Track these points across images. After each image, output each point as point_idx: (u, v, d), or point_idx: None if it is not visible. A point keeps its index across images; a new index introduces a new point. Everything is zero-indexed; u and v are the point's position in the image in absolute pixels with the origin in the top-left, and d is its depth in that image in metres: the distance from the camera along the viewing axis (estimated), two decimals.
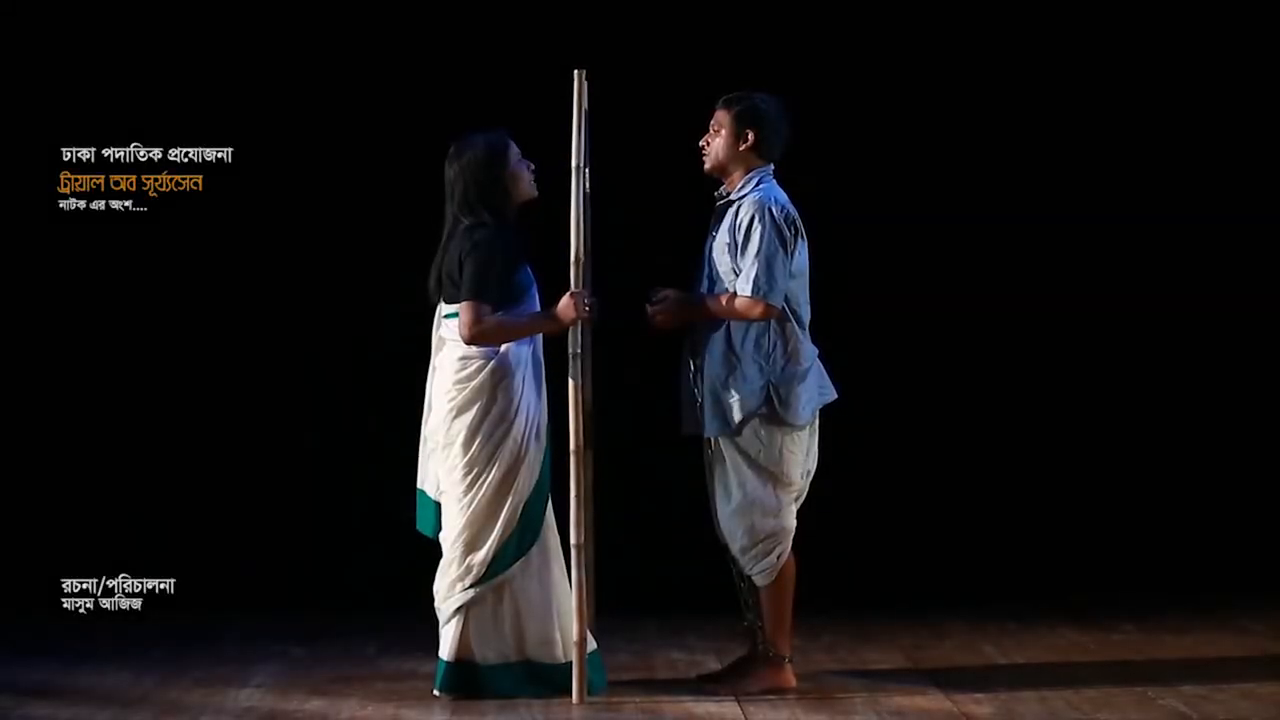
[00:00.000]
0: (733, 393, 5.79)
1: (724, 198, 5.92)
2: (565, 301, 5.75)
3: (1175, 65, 7.94)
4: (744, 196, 5.85)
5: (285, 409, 7.84)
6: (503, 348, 5.77)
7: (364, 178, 7.72)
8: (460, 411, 5.79)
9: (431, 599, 5.89)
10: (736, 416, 5.78)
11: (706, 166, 5.94)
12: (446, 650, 5.82)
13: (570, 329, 5.78)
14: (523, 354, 5.80)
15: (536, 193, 5.89)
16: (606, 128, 6.03)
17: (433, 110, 7.38)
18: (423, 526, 5.99)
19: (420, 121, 7.32)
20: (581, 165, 5.80)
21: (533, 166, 5.88)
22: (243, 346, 7.84)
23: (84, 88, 7.73)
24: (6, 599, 7.50)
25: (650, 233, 7.27)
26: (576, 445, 5.77)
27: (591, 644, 5.82)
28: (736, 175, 5.90)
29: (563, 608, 5.82)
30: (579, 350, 5.78)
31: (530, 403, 5.80)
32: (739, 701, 5.74)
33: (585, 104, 5.81)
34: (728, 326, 5.81)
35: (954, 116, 7.92)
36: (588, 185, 5.82)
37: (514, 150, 5.85)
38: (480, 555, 5.77)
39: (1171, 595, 7.53)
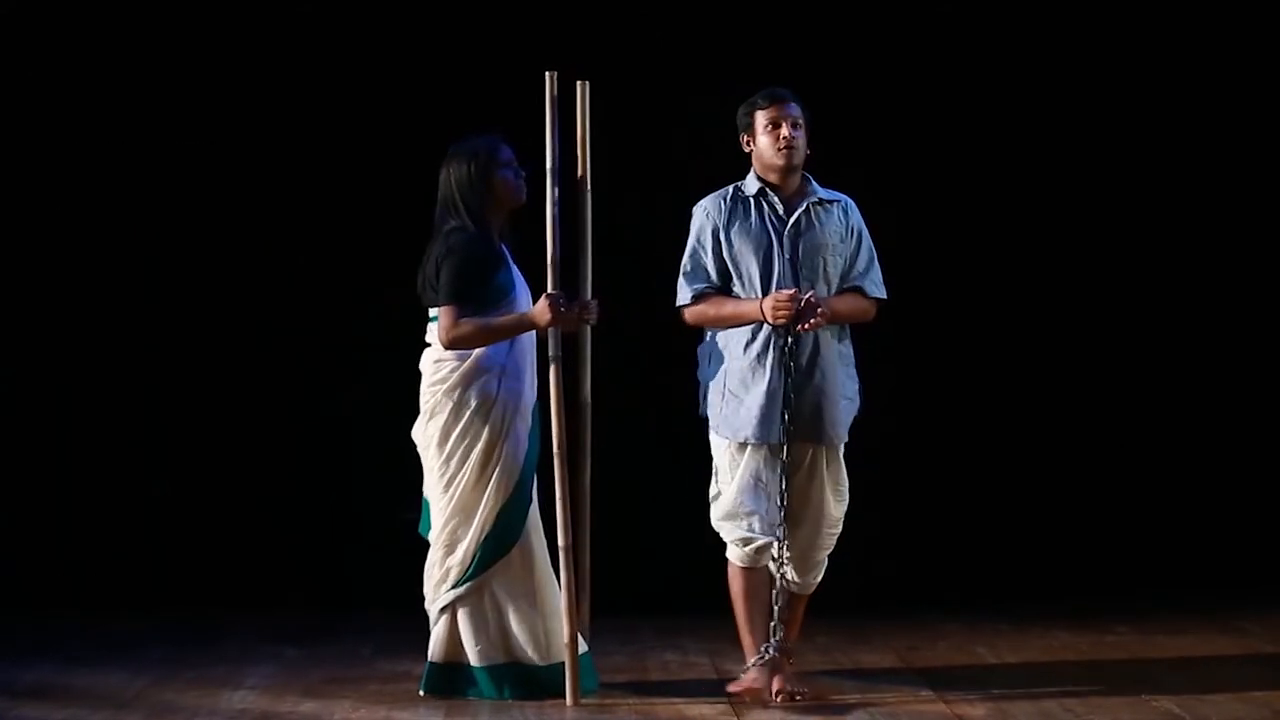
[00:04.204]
0: (850, 399, 5.83)
1: (793, 197, 5.78)
2: (541, 303, 5.72)
3: (1177, 66, 7.96)
4: (832, 197, 5.81)
5: (280, 409, 7.83)
6: (476, 350, 5.76)
7: (364, 177, 7.68)
8: (434, 414, 5.82)
9: (424, 600, 5.91)
10: (849, 423, 5.84)
11: (795, 161, 5.75)
12: (433, 651, 5.85)
13: (550, 332, 5.77)
14: (499, 356, 5.77)
15: (523, 199, 5.85)
16: (614, 130, 6.03)
17: (435, 110, 7.37)
18: (423, 529, 6.00)
19: (422, 121, 7.29)
20: (556, 167, 5.77)
21: (523, 174, 5.83)
22: (237, 346, 7.82)
23: (84, 87, 7.73)
24: (1, 600, 7.50)
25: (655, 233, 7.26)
26: (559, 446, 5.75)
27: (583, 646, 5.83)
28: (799, 175, 5.81)
29: (549, 609, 5.80)
30: (558, 353, 5.76)
31: (506, 404, 5.77)
32: (731, 703, 5.74)
33: (562, 105, 5.76)
34: (836, 330, 5.80)
35: (956, 115, 7.92)
36: (588, 188, 5.81)
37: (504, 154, 5.82)
38: (457, 556, 5.80)
39: (1165, 596, 7.52)
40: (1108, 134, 7.97)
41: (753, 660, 5.77)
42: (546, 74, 5.81)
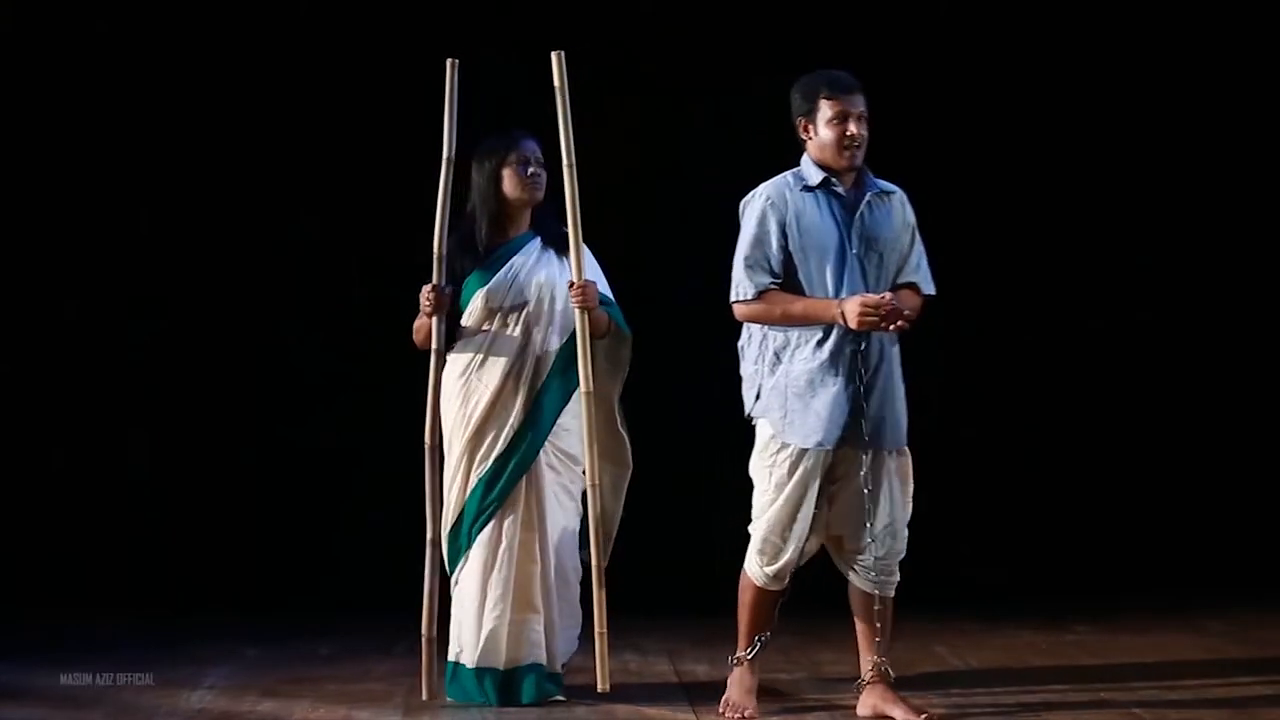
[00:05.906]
0: (904, 400, 5.58)
1: (853, 188, 5.53)
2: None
3: (1195, 68, 8.01)
4: (888, 189, 5.57)
5: (260, 413, 7.82)
6: (452, 358, 5.72)
7: (372, 170, 7.65)
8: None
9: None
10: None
11: (859, 162, 5.48)
12: None
13: (433, 323, 5.65)
14: (468, 366, 5.68)
15: (538, 197, 5.72)
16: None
17: (436, 109, 7.32)
18: None
19: (426, 119, 7.24)
20: (451, 156, 5.65)
21: (537, 171, 5.70)
22: (217, 349, 7.83)
23: (82, 86, 7.69)
24: None
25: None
26: (431, 442, 5.67)
27: (556, 665, 5.79)
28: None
29: (496, 614, 5.69)
30: (438, 345, 5.65)
31: (466, 414, 5.69)
32: (692, 706, 5.72)
33: (455, 93, 5.65)
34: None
35: (961, 110, 7.94)
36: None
37: (520, 151, 5.70)
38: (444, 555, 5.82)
39: (1129, 595, 7.53)
40: (1111, 149, 8.00)
41: (744, 651, 5.62)
42: (447, 62, 5.67)
